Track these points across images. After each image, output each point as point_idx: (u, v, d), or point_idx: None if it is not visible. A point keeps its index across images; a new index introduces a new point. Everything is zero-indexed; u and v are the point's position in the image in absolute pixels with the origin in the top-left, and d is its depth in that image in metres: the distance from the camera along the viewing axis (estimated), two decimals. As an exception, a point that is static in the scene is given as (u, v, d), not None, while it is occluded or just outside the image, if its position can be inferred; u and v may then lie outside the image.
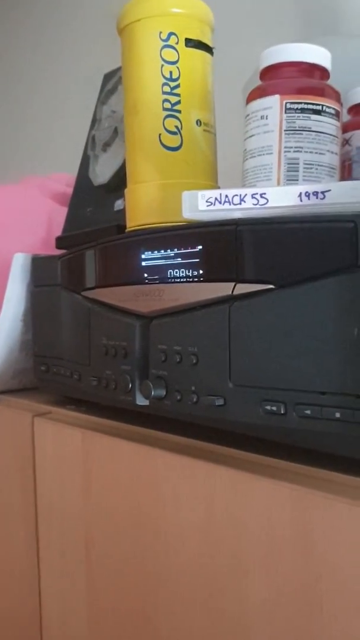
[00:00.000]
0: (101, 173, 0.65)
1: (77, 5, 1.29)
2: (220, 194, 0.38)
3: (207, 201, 0.39)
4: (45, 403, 0.62)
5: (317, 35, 0.85)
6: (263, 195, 0.37)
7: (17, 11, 1.46)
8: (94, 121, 0.71)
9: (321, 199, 0.35)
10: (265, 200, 0.37)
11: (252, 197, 0.37)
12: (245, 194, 0.37)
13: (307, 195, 0.36)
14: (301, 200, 0.36)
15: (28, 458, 0.57)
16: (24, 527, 0.59)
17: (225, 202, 0.38)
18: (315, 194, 0.36)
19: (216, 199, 0.38)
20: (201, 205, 0.39)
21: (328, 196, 0.35)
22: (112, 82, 0.69)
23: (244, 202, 0.37)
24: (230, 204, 0.38)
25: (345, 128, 0.54)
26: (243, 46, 0.88)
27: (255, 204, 0.37)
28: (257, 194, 0.37)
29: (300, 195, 0.36)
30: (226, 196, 0.38)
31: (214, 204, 0.38)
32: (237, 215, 0.38)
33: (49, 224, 0.79)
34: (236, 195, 0.38)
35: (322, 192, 0.36)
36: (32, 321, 0.63)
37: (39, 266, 0.62)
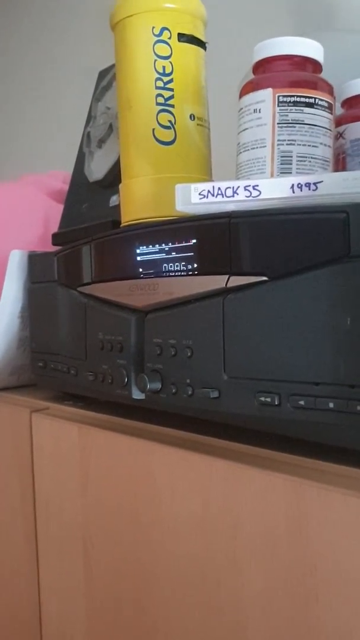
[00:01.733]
0: (96, 169, 0.65)
1: (73, 3, 1.29)
2: (213, 187, 0.38)
3: (200, 194, 0.39)
4: (43, 399, 0.62)
5: (311, 30, 0.85)
6: (256, 187, 0.37)
7: (13, 9, 1.46)
8: (89, 118, 0.71)
9: (313, 190, 0.36)
10: (258, 192, 0.37)
11: (245, 190, 0.37)
12: (238, 186, 0.37)
13: (300, 186, 0.36)
14: (294, 192, 0.36)
15: (26, 454, 0.58)
16: (22, 523, 0.59)
17: (218, 194, 0.38)
18: (308, 185, 0.36)
19: (209, 191, 0.39)
20: (194, 198, 0.39)
21: (320, 187, 0.36)
22: (107, 79, 0.69)
23: (237, 194, 0.38)
24: (223, 197, 0.38)
25: (339, 121, 0.54)
26: (237, 41, 0.88)
27: (248, 196, 0.37)
28: (249, 186, 0.37)
29: (292, 186, 0.36)
30: (219, 189, 0.38)
31: (207, 197, 0.39)
32: (230, 207, 0.39)
33: (45, 221, 0.79)
34: (229, 187, 0.38)
35: (314, 184, 0.36)
36: (30, 318, 0.63)
37: (35, 263, 0.62)
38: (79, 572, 0.52)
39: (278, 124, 0.46)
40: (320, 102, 0.46)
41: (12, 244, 0.74)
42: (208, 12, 0.53)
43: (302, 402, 0.35)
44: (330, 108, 0.47)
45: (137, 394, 0.47)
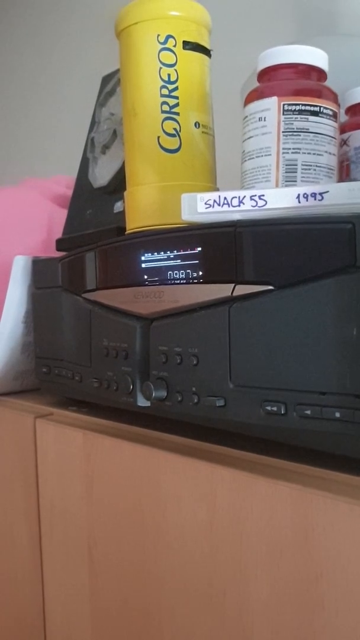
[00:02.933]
0: (100, 175, 0.65)
1: (76, 8, 1.30)
2: (219, 196, 0.39)
3: (206, 203, 0.39)
4: (47, 404, 0.62)
5: (313, 35, 0.85)
6: (262, 197, 0.37)
7: (15, 14, 1.47)
8: (93, 123, 0.71)
9: (319, 200, 0.36)
10: (263, 202, 0.38)
11: (251, 199, 0.37)
12: (244, 196, 0.38)
13: (306, 196, 0.36)
14: (299, 202, 0.36)
15: (30, 460, 0.58)
16: (26, 529, 0.59)
17: (224, 204, 0.38)
18: (314, 195, 0.36)
19: (215, 201, 0.39)
20: (200, 207, 0.39)
21: (326, 197, 0.36)
22: (111, 84, 0.69)
23: (243, 204, 0.38)
24: (229, 206, 0.38)
25: (343, 129, 0.54)
26: (240, 48, 0.88)
27: (254, 206, 0.38)
28: (255, 195, 0.37)
29: (298, 196, 0.36)
30: (225, 198, 0.38)
31: (213, 206, 0.39)
32: (236, 217, 0.39)
33: (49, 226, 0.79)
34: (235, 197, 0.38)
35: (320, 194, 0.36)
36: (33, 323, 0.63)
37: (39, 268, 0.62)
38: (84, 579, 0.52)
39: (283, 132, 0.46)
40: (325, 111, 0.46)
41: (15, 249, 0.74)
42: (212, 19, 0.53)
43: (308, 412, 0.36)
44: (335, 116, 0.47)
45: (142, 402, 0.47)
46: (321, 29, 0.86)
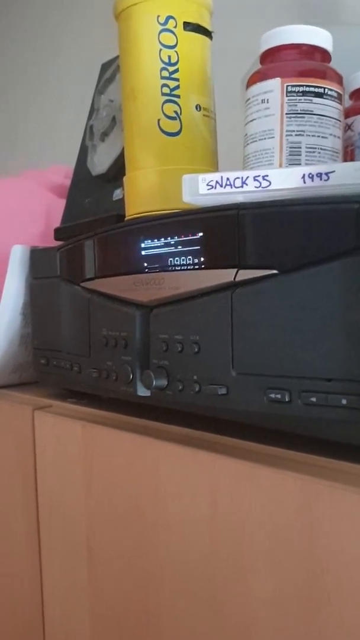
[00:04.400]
0: (99, 163, 0.64)
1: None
2: (222, 177, 0.37)
3: (207, 184, 0.38)
4: (46, 396, 0.61)
5: (316, 23, 0.84)
6: (265, 178, 0.36)
7: (13, 2, 1.45)
8: (92, 111, 0.70)
9: (325, 180, 0.35)
10: (267, 183, 0.36)
11: (255, 180, 0.36)
12: (247, 177, 0.36)
13: (311, 176, 0.35)
14: (304, 182, 0.35)
15: (29, 452, 0.57)
16: (25, 521, 0.58)
17: (226, 185, 0.37)
18: (319, 175, 0.35)
19: (217, 182, 0.37)
20: (202, 188, 0.38)
21: (332, 177, 0.35)
22: (110, 71, 0.68)
23: (246, 184, 0.36)
24: (231, 187, 0.37)
25: (347, 113, 0.53)
26: (242, 33, 0.87)
27: (258, 187, 0.36)
28: (259, 176, 0.36)
29: (303, 176, 0.35)
30: (227, 179, 0.37)
31: (215, 188, 0.37)
32: (239, 198, 0.37)
33: (47, 217, 0.78)
34: (238, 178, 0.37)
35: (326, 174, 0.35)
36: (32, 314, 0.62)
37: (37, 258, 0.61)
38: (83, 573, 0.51)
39: (287, 114, 0.45)
40: (329, 92, 0.45)
41: (13, 239, 0.73)
42: (213, 2, 0.52)
43: (313, 399, 0.34)
44: (339, 98, 0.46)
45: (142, 391, 0.46)
46: (324, 16, 0.85)
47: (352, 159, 0.53)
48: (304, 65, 0.45)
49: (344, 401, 0.33)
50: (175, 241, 0.42)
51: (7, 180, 0.83)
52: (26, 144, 1.45)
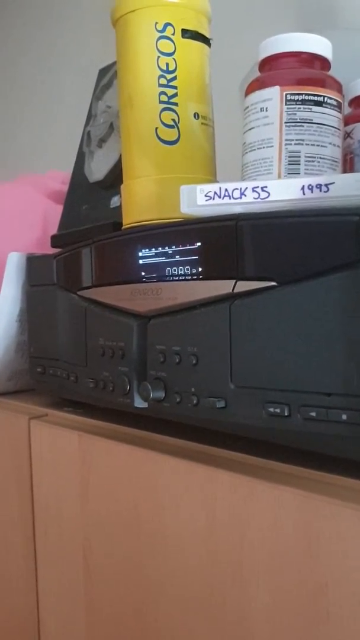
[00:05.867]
0: (97, 169, 0.64)
1: (72, 1, 1.28)
2: (220, 188, 0.37)
3: (206, 195, 0.37)
4: (42, 405, 0.60)
5: (316, 28, 0.83)
6: (264, 189, 0.36)
7: (10, 6, 1.45)
8: (89, 117, 0.69)
9: (325, 192, 0.34)
10: (266, 194, 0.36)
11: (253, 191, 0.36)
12: (246, 188, 0.36)
13: (310, 188, 0.35)
14: (304, 194, 0.35)
15: (24, 461, 0.56)
16: (21, 531, 0.58)
17: (225, 196, 0.37)
18: (319, 186, 0.34)
19: (215, 193, 0.37)
20: (200, 199, 0.38)
21: (332, 189, 0.34)
22: (108, 77, 0.68)
23: (245, 196, 0.36)
24: (230, 198, 0.36)
25: (347, 121, 0.52)
26: (240, 40, 0.87)
27: (256, 198, 0.36)
28: (258, 187, 0.36)
29: (303, 188, 0.35)
30: (226, 190, 0.37)
31: (213, 199, 0.37)
32: (238, 210, 0.37)
33: (44, 223, 0.77)
34: (236, 189, 0.36)
35: (326, 185, 0.34)
36: (28, 322, 0.62)
37: (34, 265, 0.60)
38: (79, 584, 0.51)
39: (285, 123, 0.44)
40: (329, 101, 0.45)
41: (9, 245, 0.72)
42: (211, 10, 0.52)
43: (313, 414, 0.34)
44: (339, 107, 0.46)
45: (139, 403, 0.45)
46: (322, 23, 0.84)
47: (351, 167, 0.52)
48: (304, 73, 0.45)
49: (344, 416, 0.33)
50: (173, 251, 0.42)
51: (3, 186, 0.82)
52: (23, 149, 1.44)
